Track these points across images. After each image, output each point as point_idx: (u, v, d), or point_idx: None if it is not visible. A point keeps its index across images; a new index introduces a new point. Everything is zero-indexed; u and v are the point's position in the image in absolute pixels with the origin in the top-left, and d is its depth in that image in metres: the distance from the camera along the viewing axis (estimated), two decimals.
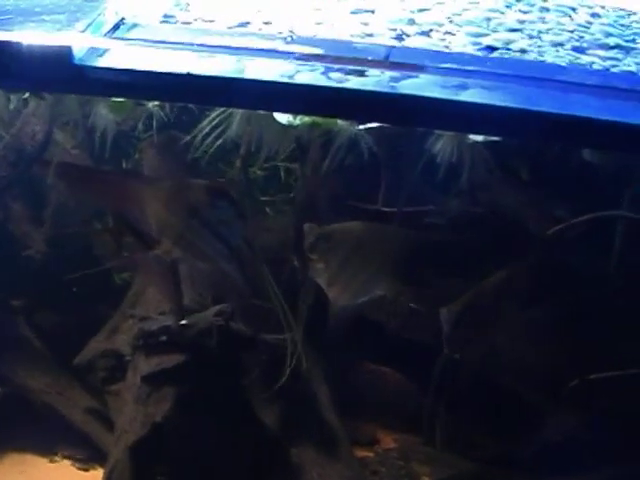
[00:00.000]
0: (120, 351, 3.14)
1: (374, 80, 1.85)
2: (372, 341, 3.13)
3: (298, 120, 2.62)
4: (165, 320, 2.91)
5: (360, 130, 2.72)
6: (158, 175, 3.18)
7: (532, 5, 2.37)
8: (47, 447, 3.28)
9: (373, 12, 2.24)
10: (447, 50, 2.07)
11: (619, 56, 2.12)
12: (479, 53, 2.08)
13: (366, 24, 2.17)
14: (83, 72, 1.86)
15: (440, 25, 2.20)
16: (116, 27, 2.02)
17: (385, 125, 2.62)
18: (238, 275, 2.65)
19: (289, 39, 2.03)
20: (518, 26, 2.23)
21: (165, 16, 2.15)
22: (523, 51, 2.10)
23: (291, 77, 1.85)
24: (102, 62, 1.87)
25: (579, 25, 2.28)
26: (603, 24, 2.30)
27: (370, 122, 2.63)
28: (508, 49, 2.11)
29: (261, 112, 2.73)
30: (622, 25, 2.31)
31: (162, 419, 2.82)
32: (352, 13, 2.23)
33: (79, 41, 1.89)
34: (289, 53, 1.95)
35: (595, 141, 1.92)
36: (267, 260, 2.92)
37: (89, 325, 3.29)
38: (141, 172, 3.26)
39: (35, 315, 3.41)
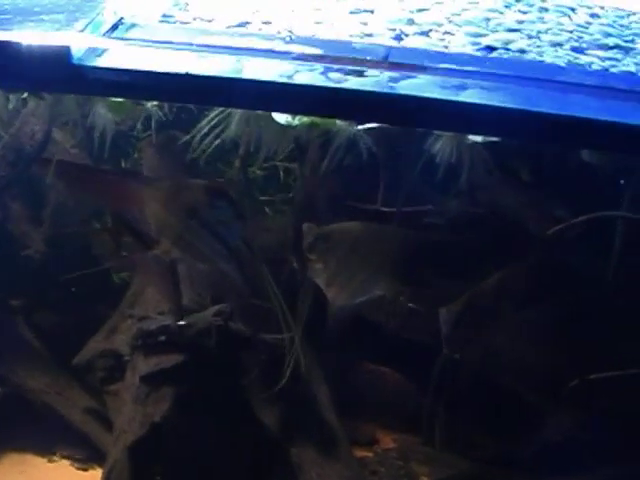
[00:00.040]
0: (119, 351, 3.14)
1: (373, 80, 1.85)
2: (371, 341, 3.13)
3: (297, 120, 2.62)
4: (164, 320, 2.91)
5: (359, 130, 2.72)
6: (157, 175, 3.18)
7: (531, 5, 2.37)
8: (46, 447, 3.28)
9: (372, 12, 2.24)
10: (446, 50, 2.07)
11: (618, 56, 2.12)
12: (478, 53, 2.08)
13: (365, 24, 2.16)
14: (82, 72, 1.86)
15: (439, 25, 2.20)
16: (115, 27, 2.02)
17: (384, 125, 2.62)
18: (237, 275, 2.65)
19: (288, 39, 2.03)
20: (517, 26, 2.23)
21: (164, 16, 2.15)
22: (522, 51, 2.10)
23: (290, 77, 1.85)
24: (101, 62, 1.87)
25: (578, 25, 2.28)
26: (602, 24, 2.30)
27: (369, 122, 2.63)
28: (507, 49, 2.10)
29: (260, 112, 2.73)
30: (621, 25, 2.31)
31: (161, 419, 2.82)
32: (351, 13, 2.23)
33: (78, 41, 1.88)
34: (288, 53, 1.95)
35: (594, 142, 1.92)
36: (266, 260, 2.92)
37: (88, 325, 3.29)
38: (140, 172, 3.26)
39: (34, 315, 3.40)
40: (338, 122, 2.70)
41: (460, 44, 2.11)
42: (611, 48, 2.17)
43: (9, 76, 1.91)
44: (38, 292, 3.38)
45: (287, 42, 2.01)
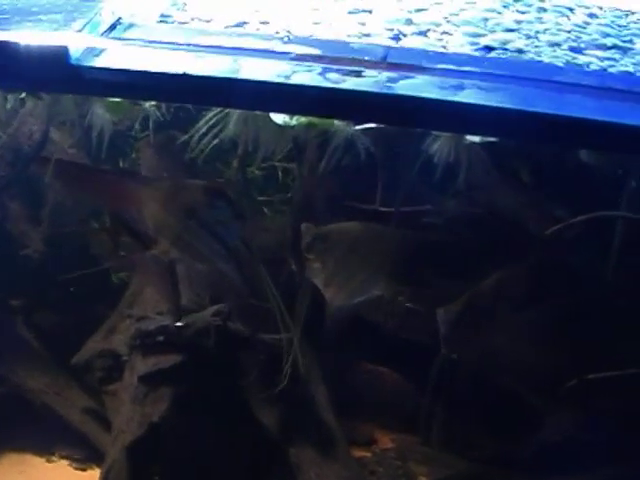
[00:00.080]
0: (117, 351, 3.14)
1: (371, 81, 1.85)
2: (370, 341, 3.12)
3: (294, 120, 2.62)
4: (162, 320, 2.91)
5: (357, 131, 2.72)
6: (156, 175, 3.17)
7: (529, 5, 2.37)
8: (45, 447, 3.28)
9: (370, 12, 2.24)
10: (444, 50, 2.07)
11: (616, 56, 2.12)
12: (476, 53, 2.07)
13: (363, 24, 2.16)
14: (80, 72, 1.86)
15: (437, 25, 2.20)
16: (113, 27, 2.02)
17: (382, 126, 2.62)
18: (235, 275, 2.65)
19: (286, 39, 2.03)
20: (515, 26, 2.23)
21: (162, 16, 2.15)
22: (520, 51, 2.10)
23: (288, 77, 1.85)
24: (99, 62, 1.87)
25: (576, 25, 2.28)
26: (600, 24, 2.30)
27: (367, 123, 2.63)
28: (505, 49, 2.10)
29: (258, 112, 2.73)
30: (619, 25, 2.30)
31: (159, 419, 2.82)
32: (349, 13, 2.23)
33: (76, 41, 1.88)
34: (286, 53, 1.95)
35: (592, 142, 1.92)
36: (265, 260, 2.92)
37: (87, 325, 3.29)
38: (138, 172, 3.26)
39: (33, 315, 3.40)
40: (336, 122, 2.70)
41: (458, 44, 2.11)
42: (609, 48, 2.17)
43: (7, 76, 1.91)
44: (37, 292, 3.38)
45: (285, 42, 2.01)
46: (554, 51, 2.11)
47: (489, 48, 2.10)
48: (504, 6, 2.35)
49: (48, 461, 3.26)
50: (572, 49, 2.13)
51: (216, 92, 1.89)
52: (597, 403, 2.91)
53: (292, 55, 1.93)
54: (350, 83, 1.83)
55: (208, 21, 2.14)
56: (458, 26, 2.20)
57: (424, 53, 2.03)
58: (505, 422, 3.00)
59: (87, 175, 2.93)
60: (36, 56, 1.85)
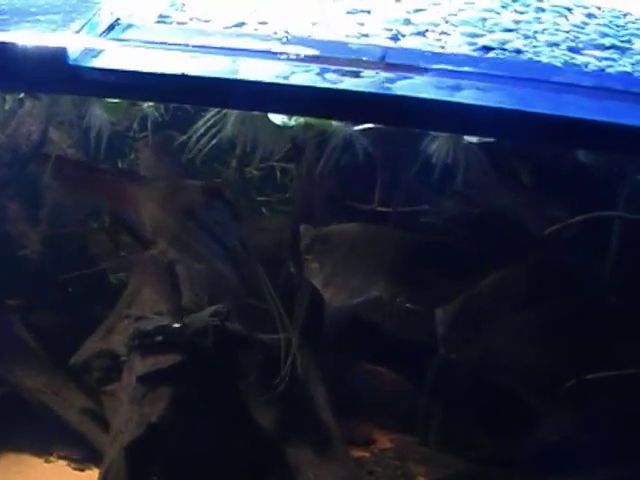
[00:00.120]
0: (116, 351, 3.14)
1: (369, 81, 1.85)
2: (368, 341, 3.12)
3: (293, 121, 2.62)
4: (161, 320, 2.91)
5: (355, 131, 2.72)
6: (154, 175, 3.17)
7: (528, 5, 2.37)
8: (43, 447, 3.28)
9: (369, 12, 2.24)
10: (442, 50, 2.07)
11: (615, 56, 2.12)
12: (475, 53, 2.08)
13: (362, 24, 2.16)
14: (78, 73, 1.86)
15: (436, 25, 2.20)
16: (111, 27, 2.02)
17: (380, 126, 2.62)
18: (233, 275, 2.65)
19: (284, 40, 2.03)
20: (514, 26, 2.23)
21: (160, 16, 2.15)
22: (518, 51, 2.10)
23: (286, 78, 1.85)
24: (97, 63, 1.87)
25: (575, 25, 2.28)
26: (599, 24, 2.30)
27: (365, 123, 2.63)
28: (503, 49, 2.10)
29: (256, 113, 2.73)
30: (617, 26, 2.31)
31: (157, 419, 2.82)
32: (348, 13, 2.23)
33: (74, 41, 1.88)
34: (284, 54, 1.95)
35: (590, 142, 1.92)
36: (263, 260, 2.92)
37: (85, 325, 3.29)
38: (137, 171, 3.26)
39: (31, 315, 3.40)
40: (334, 123, 2.70)
41: (456, 44, 2.11)
42: (607, 48, 2.17)
43: (5, 77, 1.91)
44: (35, 292, 3.38)
45: (283, 43, 2.01)
46: (552, 51, 2.11)
47: (487, 48, 2.10)
48: (502, 6, 2.35)
49: (46, 461, 3.26)
50: (570, 49, 2.13)
51: (214, 92, 1.89)
52: (595, 403, 2.91)
53: (290, 55, 1.93)
54: (348, 83, 1.83)
55: (206, 21, 2.14)
56: (456, 26, 2.20)
57: (422, 53, 2.03)
58: (503, 422, 3.00)
59: (85, 175, 2.92)
60: (34, 57, 1.84)
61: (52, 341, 3.35)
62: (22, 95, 3.05)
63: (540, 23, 2.27)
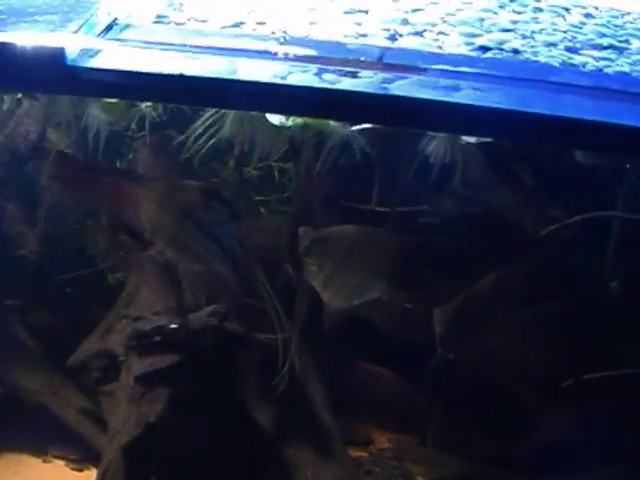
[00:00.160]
0: (114, 351, 3.13)
1: (367, 81, 1.85)
2: (366, 341, 3.12)
3: (290, 121, 2.62)
4: (159, 320, 2.91)
5: (352, 131, 2.72)
6: (152, 175, 3.17)
7: (525, 5, 2.38)
8: (41, 447, 3.28)
9: (367, 12, 2.24)
10: (440, 50, 2.07)
11: (612, 56, 2.13)
12: (472, 53, 2.08)
13: (359, 24, 2.16)
14: (76, 73, 1.86)
15: (434, 25, 2.20)
16: (109, 28, 2.02)
17: (378, 126, 2.62)
18: (231, 276, 2.65)
19: (282, 40, 2.03)
20: (511, 26, 2.23)
21: (158, 16, 2.15)
22: (516, 51, 2.10)
23: (284, 78, 1.85)
24: (95, 63, 1.87)
25: (572, 25, 2.28)
26: (596, 24, 2.30)
27: (363, 123, 2.63)
28: (501, 49, 2.11)
29: (254, 113, 2.73)
30: (615, 25, 2.31)
31: (155, 419, 2.81)
32: (346, 13, 2.23)
33: (72, 42, 1.88)
34: (282, 54, 1.95)
35: (588, 142, 1.92)
36: (261, 260, 2.92)
37: (83, 325, 3.28)
38: (135, 170, 3.25)
39: (29, 315, 3.40)
40: (332, 123, 2.70)
41: (454, 44, 2.11)
42: (605, 48, 2.17)
43: (3, 77, 1.91)
44: (33, 292, 3.37)
45: (281, 43, 2.01)
46: (550, 51, 2.11)
47: (485, 48, 2.10)
48: (500, 6, 2.35)
49: (44, 461, 3.25)
50: (568, 49, 2.13)
51: (212, 93, 1.89)
52: (594, 403, 2.91)
53: (288, 56, 1.93)
54: (346, 84, 1.84)
55: (204, 22, 2.14)
56: (454, 26, 2.20)
57: (420, 53, 2.03)
58: (502, 422, 3.00)
59: (84, 174, 2.92)
60: (32, 57, 1.84)
61: (50, 341, 3.35)
62: (20, 95, 3.05)
63: (538, 23, 2.27)
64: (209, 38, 2.01)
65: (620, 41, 2.21)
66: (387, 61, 1.95)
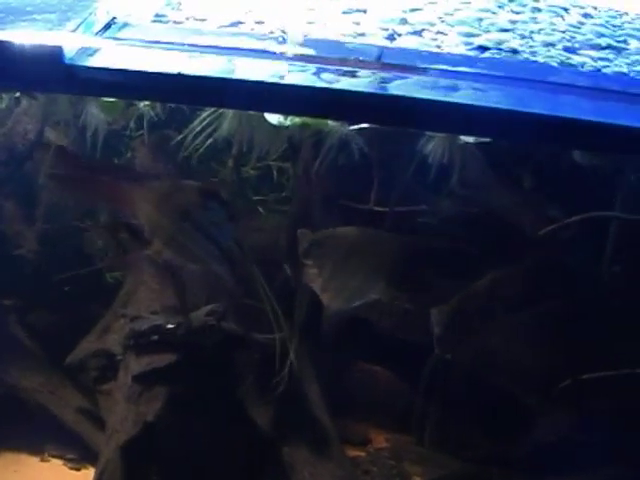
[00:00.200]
0: (111, 351, 3.13)
1: (365, 81, 1.85)
2: (364, 341, 3.12)
3: (289, 121, 2.62)
4: (156, 319, 2.91)
5: (351, 131, 2.72)
6: (150, 174, 3.17)
7: (524, 5, 2.38)
8: (39, 446, 3.28)
9: (365, 12, 2.24)
10: (439, 50, 2.07)
11: (611, 56, 2.13)
12: (471, 53, 2.08)
13: (358, 24, 2.16)
14: (74, 72, 1.86)
15: (432, 25, 2.20)
16: (107, 26, 2.02)
17: (376, 126, 2.62)
18: (229, 276, 2.65)
19: (281, 39, 2.03)
20: (510, 26, 2.24)
21: (157, 15, 2.15)
22: (515, 51, 2.10)
23: (282, 77, 1.85)
24: (93, 62, 1.87)
25: (571, 25, 2.28)
26: (595, 24, 2.31)
27: (361, 123, 2.63)
28: (500, 49, 2.11)
29: (252, 112, 2.73)
30: (614, 26, 2.31)
31: (153, 418, 2.81)
32: (344, 13, 2.23)
33: (70, 40, 1.88)
34: (281, 53, 1.95)
35: (586, 143, 1.92)
36: (259, 260, 2.92)
37: (81, 324, 3.28)
38: (134, 169, 3.25)
39: (27, 314, 3.39)
40: (330, 122, 2.70)
41: (453, 44, 2.11)
42: (604, 48, 2.17)
43: (1, 76, 1.90)
44: (31, 291, 3.37)
45: (280, 42, 2.01)
46: (548, 51, 2.11)
47: (483, 48, 2.10)
48: (499, 6, 2.35)
49: (42, 460, 3.25)
50: (566, 49, 2.14)
51: (211, 92, 1.89)
52: (591, 403, 2.91)
53: (287, 55, 1.93)
54: (344, 83, 1.84)
55: (203, 21, 2.14)
56: (453, 26, 2.20)
57: (419, 53, 2.03)
58: (499, 422, 3.00)
59: (83, 173, 2.92)
60: (30, 56, 1.84)
61: (48, 340, 3.34)
62: (18, 94, 3.05)
63: (536, 23, 2.28)
64: (207, 37, 2.01)
65: (618, 41, 2.22)
66: (386, 61, 1.95)
